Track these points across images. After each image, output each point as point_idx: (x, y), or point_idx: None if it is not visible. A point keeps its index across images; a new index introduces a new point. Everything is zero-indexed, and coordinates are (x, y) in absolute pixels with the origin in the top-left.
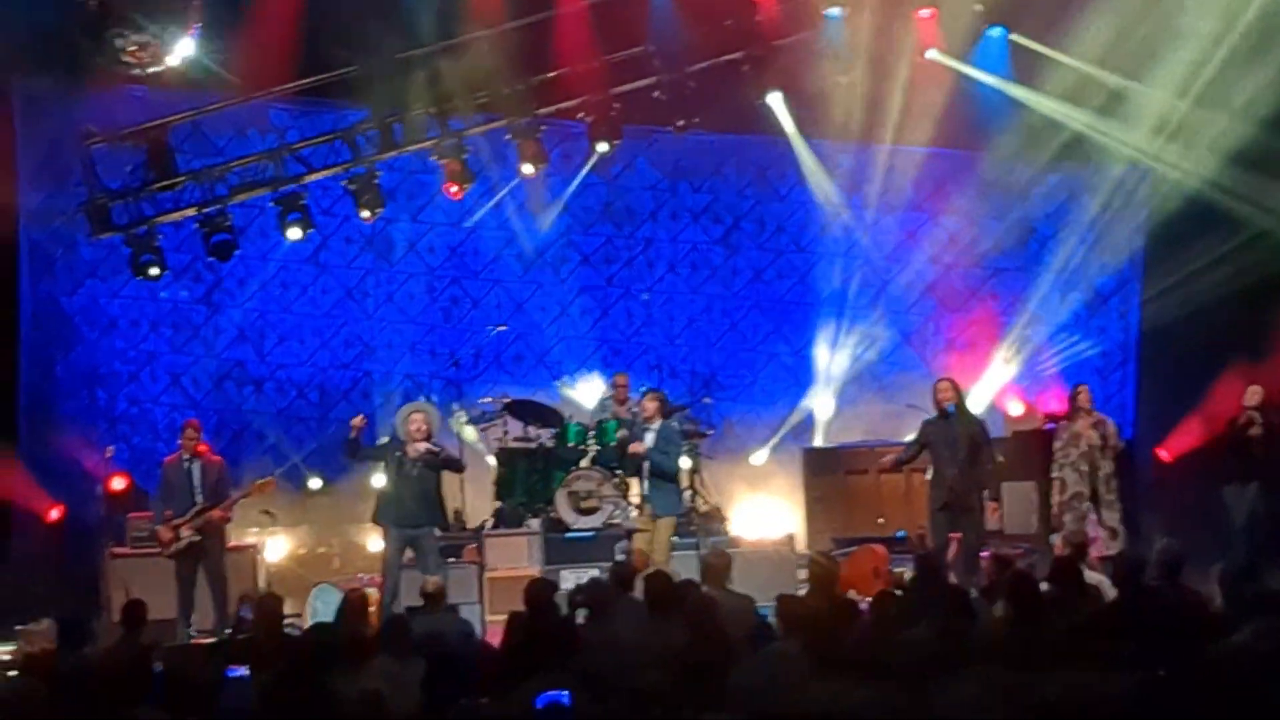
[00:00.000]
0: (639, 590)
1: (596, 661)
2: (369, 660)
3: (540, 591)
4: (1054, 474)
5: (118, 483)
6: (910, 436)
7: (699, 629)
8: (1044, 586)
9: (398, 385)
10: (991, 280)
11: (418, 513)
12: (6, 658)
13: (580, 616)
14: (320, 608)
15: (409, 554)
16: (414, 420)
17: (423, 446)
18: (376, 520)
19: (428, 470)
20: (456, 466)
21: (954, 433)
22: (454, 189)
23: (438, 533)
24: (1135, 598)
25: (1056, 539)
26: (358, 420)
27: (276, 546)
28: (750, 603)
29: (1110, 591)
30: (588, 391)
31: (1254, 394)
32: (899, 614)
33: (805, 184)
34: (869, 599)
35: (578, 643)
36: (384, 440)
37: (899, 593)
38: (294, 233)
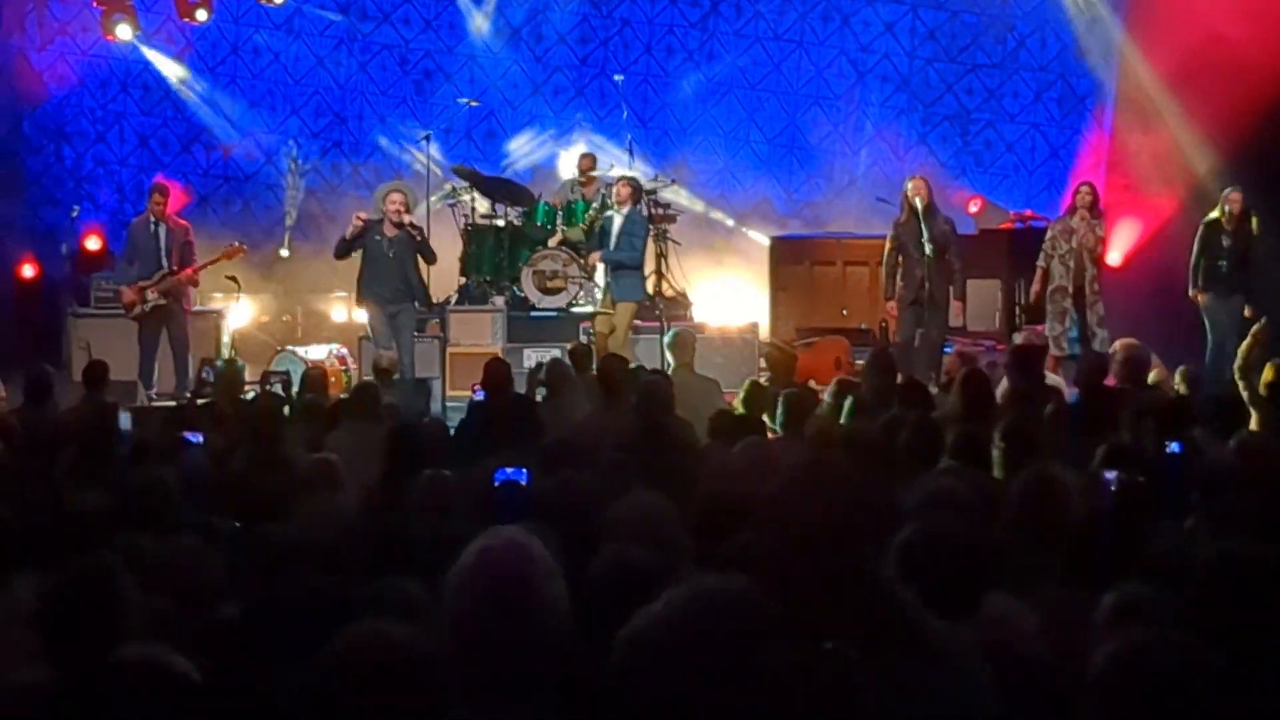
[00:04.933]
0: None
1: (553, 441)
2: (327, 429)
3: (497, 371)
4: (1039, 263)
5: (92, 242)
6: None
7: (646, 413)
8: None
9: (366, 157)
10: (967, 76)
11: (394, 293)
12: None
13: (539, 395)
14: None
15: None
16: (392, 200)
17: (406, 218)
18: (360, 299)
19: (405, 250)
20: (430, 254)
21: (924, 230)
22: None
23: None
24: (1098, 397)
25: (1018, 337)
26: (363, 215)
27: (241, 313)
28: (715, 386)
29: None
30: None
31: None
32: (855, 405)
33: None
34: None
35: (539, 422)
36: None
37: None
38: None
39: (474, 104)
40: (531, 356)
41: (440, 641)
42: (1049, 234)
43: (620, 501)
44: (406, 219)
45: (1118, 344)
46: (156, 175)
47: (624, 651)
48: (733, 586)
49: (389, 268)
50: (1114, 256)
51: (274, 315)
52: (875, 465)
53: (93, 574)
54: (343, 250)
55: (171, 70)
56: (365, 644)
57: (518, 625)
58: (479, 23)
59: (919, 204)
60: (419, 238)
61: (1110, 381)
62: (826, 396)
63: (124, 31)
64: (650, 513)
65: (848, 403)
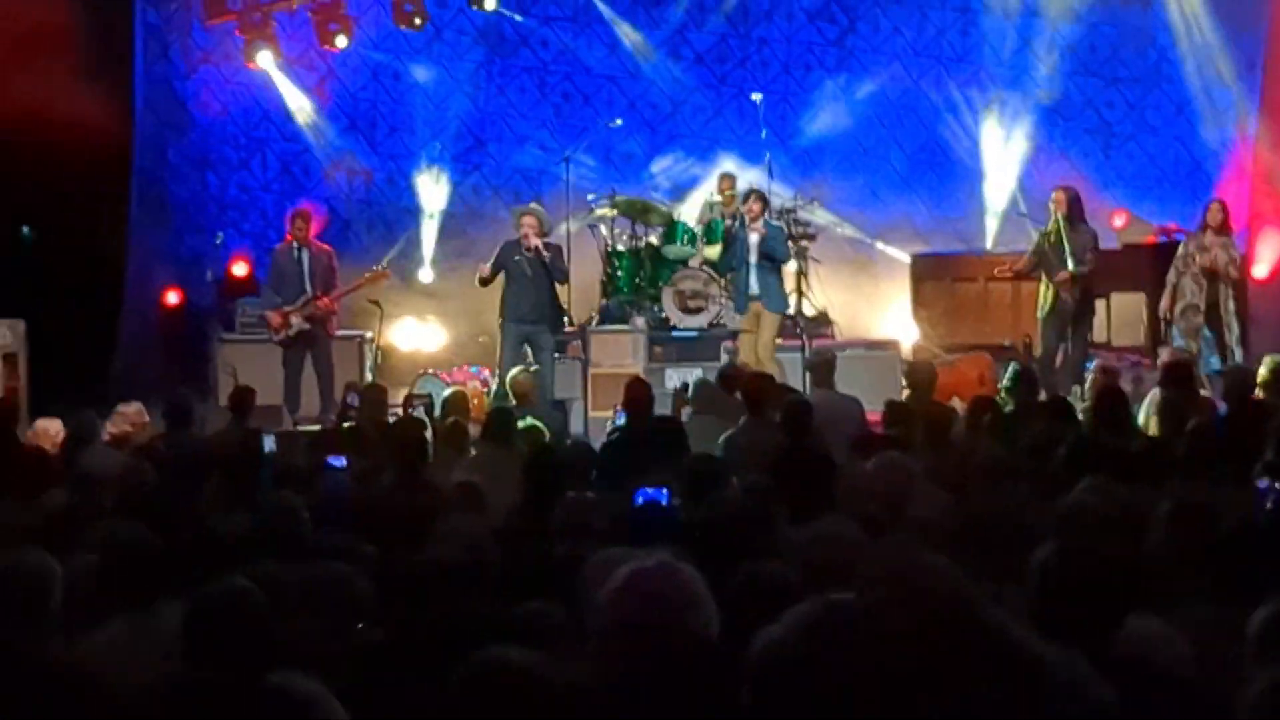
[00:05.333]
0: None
1: (697, 461)
2: (469, 452)
3: (638, 391)
4: (1170, 279)
5: (239, 268)
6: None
7: (791, 431)
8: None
9: (507, 181)
10: (1108, 90)
11: (533, 311)
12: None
13: (685, 415)
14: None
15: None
16: (525, 223)
17: (535, 241)
18: (500, 323)
19: (541, 271)
20: (559, 274)
21: (1065, 242)
22: None
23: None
24: (1246, 412)
25: (1164, 352)
26: (486, 271)
27: (385, 337)
28: (857, 405)
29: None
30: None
31: None
32: (993, 422)
33: None
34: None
35: (684, 441)
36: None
37: (1000, 399)
38: (416, 21)
39: (617, 123)
40: (673, 377)
41: (578, 667)
42: (1180, 251)
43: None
44: (535, 243)
45: (1265, 359)
46: (299, 201)
47: (752, 667)
48: (849, 603)
49: (528, 287)
50: (1261, 269)
51: (417, 339)
52: (1012, 484)
53: (235, 598)
54: (484, 283)
55: (300, 104)
56: (489, 670)
57: (665, 647)
58: (628, 33)
59: (1060, 215)
60: (546, 259)
61: (1257, 396)
62: (964, 414)
63: (265, 60)
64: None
65: (986, 420)
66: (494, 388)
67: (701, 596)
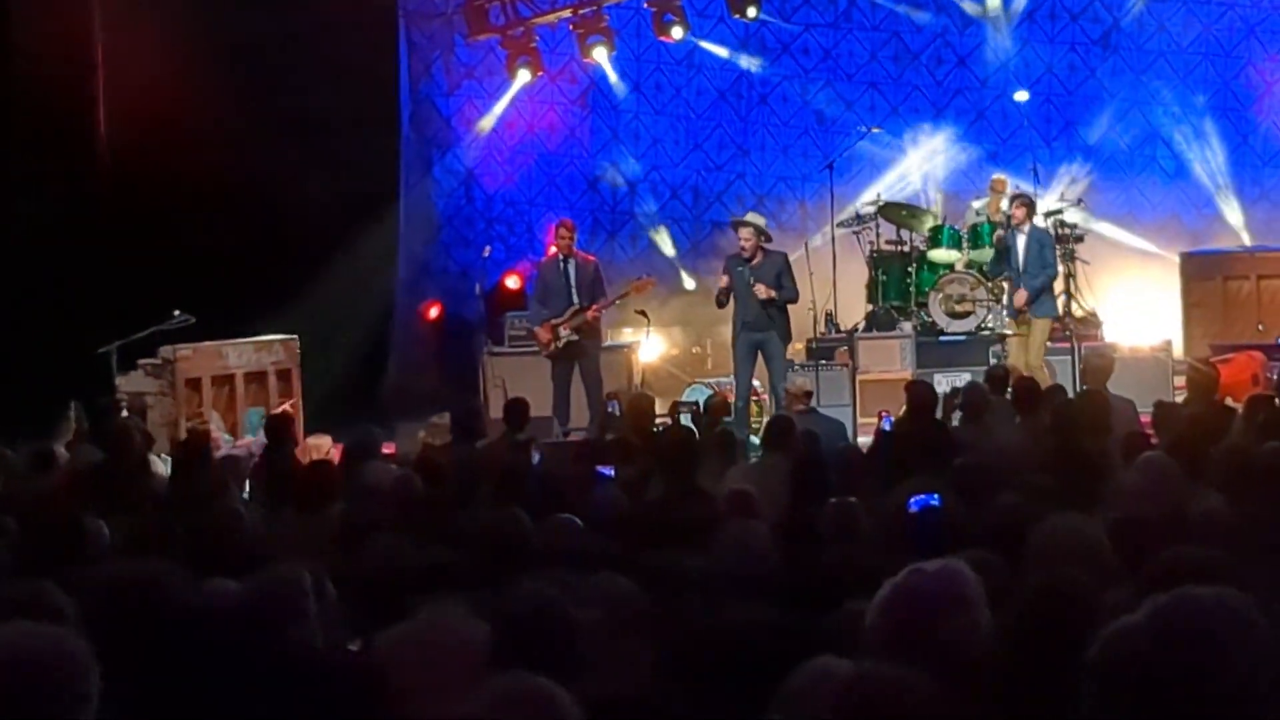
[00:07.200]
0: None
1: (970, 465)
2: (737, 458)
3: (921, 394)
4: None
5: (512, 281)
6: None
7: (1062, 433)
8: None
9: (770, 189)
10: None
11: (758, 319)
12: (389, 451)
13: (955, 419)
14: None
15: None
16: (741, 235)
17: (762, 292)
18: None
19: (766, 278)
20: (789, 292)
21: None
22: None
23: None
24: None
25: None
26: (724, 282)
27: (651, 347)
28: (1131, 406)
29: None
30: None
31: None
32: (1267, 421)
33: None
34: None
35: (953, 446)
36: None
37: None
38: (677, 32)
39: (876, 130)
40: (942, 381)
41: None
42: None
43: (1045, 523)
44: (762, 293)
45: None
46: (563, 213)
47: (1102, 651)
48: (1219, 596)
49: (750, 295)
50: None
51: (684, 348)
52: None
53: (542, 605)
54: (722, 300)
55: (562, 116)
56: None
57: (943, 649)
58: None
59: None
60: (765, 289)
61: None
62: (1241, 414)
63: (525, 75)
64: (1077, 534)
65: (1260, 420)
66: (737, 399)
67: (971, 598)
